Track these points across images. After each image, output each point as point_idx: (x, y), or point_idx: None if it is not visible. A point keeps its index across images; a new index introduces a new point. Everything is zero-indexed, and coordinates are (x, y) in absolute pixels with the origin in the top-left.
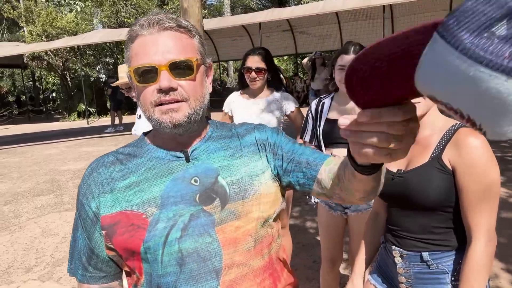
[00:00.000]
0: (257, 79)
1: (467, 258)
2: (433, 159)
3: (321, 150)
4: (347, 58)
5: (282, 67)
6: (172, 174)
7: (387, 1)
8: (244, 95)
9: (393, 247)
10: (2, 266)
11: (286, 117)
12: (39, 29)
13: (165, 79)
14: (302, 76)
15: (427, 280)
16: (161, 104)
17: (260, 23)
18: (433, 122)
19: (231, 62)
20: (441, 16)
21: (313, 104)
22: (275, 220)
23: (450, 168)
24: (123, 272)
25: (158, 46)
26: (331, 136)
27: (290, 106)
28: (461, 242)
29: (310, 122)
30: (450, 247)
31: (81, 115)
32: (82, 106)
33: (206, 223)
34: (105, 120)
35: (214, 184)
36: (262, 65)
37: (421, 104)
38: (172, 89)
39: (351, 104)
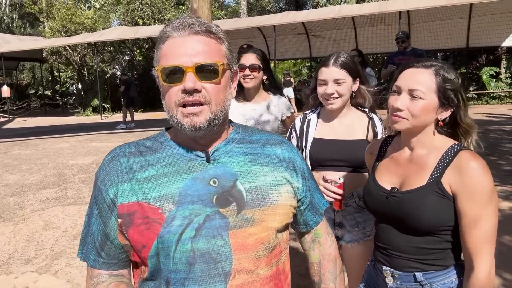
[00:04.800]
0: (251, 76)
1: (469, 285)
2: (432, 182)
3: None
4: (326, 72)
5: (294, 69)
6: (191, 173)
7: (404, 7)
8: (239, 99)
9: (384, 267)
10: (3, 256)
11: (281, 123)
12: (59, 24)
13: (190, 80)
14: None
15: None
16: (184, 106)
17: (274, 26)
18: (428, 140)
19: None
20: (460, 25)
21: (297, 121)
22: (285, 230)
23: (450, 193)
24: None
25: (187, 48)
26: (320, 157)
27: (285, 111)
28: (455, 260)
29: (294, 141)
30: (444, 266)
31: (96, 110)
32: (96, 101)
33: (220, 225)
34: (119, 117)
35: (232, 188)
36: (257, 62)
37: (405, 121)
38: (196, 91)
39: (339, 120)
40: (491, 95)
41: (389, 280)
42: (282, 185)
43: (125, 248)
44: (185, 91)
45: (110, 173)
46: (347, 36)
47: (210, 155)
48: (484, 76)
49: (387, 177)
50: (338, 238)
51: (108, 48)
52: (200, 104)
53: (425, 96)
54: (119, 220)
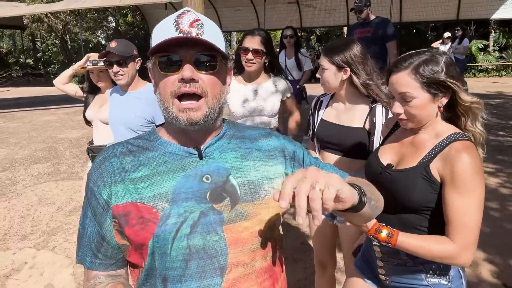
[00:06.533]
0: (253, 61)
1: (439, 238)
2: (421, 165)
3: (315, 151)
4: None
5: None
6: (184, 170)
7: None
8: (240, 79)
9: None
10: None
11: (281, 104)
12: None
13: (188, 69)
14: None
15: (403, 275)
16: (179, 97)
17: None
18: (433, 127)
19: (234, 34)
20: None
21: (313, 101)
22: (279, 225)
23: (436, 178)
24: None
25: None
26: (321, 138)
27: (286, 92)
28: None
29: (311, 119)
30: None
31: (81, 81)
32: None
33: (215, 221)
34: None
35: (226, 183)
36: (261, 47)
37: (408, 122)
38: (193, 80)
39: (345, 106)
40: (479, 68)
41: (378, 254)
42: (274, 178)
43: (122, 248)
44: (183, 80)
45: (102, 174)
46: (338, 6)
47: (202, 151)
48: (473, 49)
49: (388, 154)
50: (333, 216)
51: (92, 15)
52: (197, 97)
53: (414, 94)
54: (114, 221)
